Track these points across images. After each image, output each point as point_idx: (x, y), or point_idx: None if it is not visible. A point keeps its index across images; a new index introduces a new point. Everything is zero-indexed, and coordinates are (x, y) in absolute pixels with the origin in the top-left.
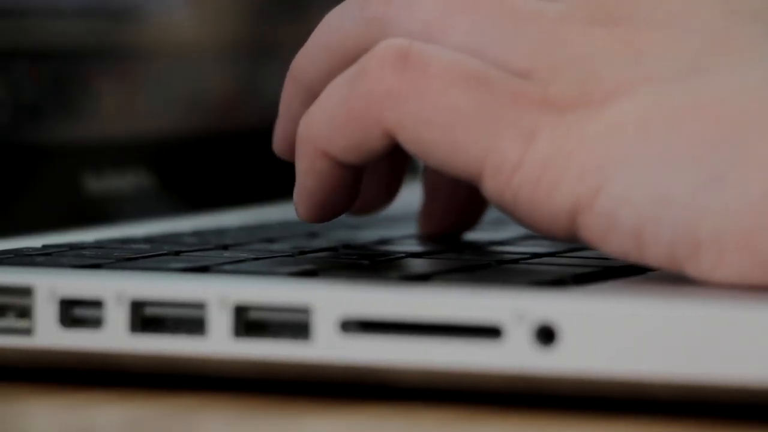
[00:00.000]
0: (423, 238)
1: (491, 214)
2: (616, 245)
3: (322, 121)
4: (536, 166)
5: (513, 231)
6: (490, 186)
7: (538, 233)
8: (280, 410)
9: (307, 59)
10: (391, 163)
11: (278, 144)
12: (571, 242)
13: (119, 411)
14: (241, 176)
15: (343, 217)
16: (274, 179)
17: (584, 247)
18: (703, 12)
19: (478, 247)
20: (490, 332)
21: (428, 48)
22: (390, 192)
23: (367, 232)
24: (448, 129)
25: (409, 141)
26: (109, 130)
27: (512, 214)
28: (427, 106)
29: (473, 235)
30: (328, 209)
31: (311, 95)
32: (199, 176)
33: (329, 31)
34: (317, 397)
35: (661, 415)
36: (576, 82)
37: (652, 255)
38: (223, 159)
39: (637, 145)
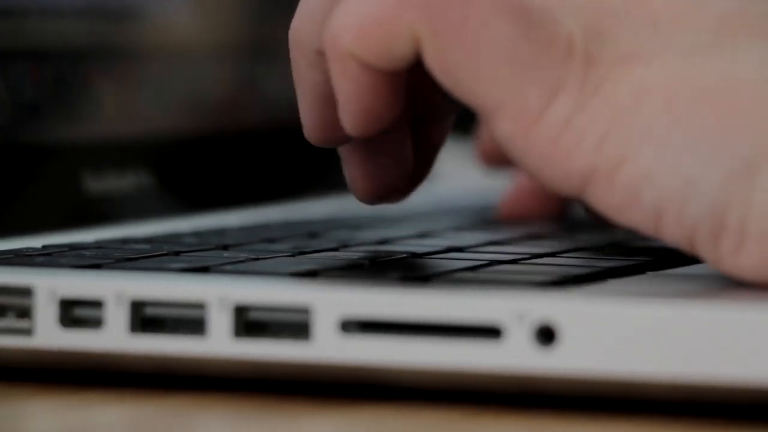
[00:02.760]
0: (367, 203)
1: (491, 214)
2: (632, 219)
3: (349, 22)
4: (557, 123)
5: (513, 231)
6: (503, 127)
7: (542, 183)
8: (280, 410)
9: (304, 19)
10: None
11: (311, 130)
12: (577, 199)
13: (119, 411)
14: (241, 176)
15: (343, 217)
16: (274, 179)
17: (584, 247)
18: None
19: (478, 247)
20: (490, 332)
21: None
22: (408, 169)
23: (367, 232)
24: (479, 57)
25: (433, 56)
26: (109, 130)
27: (519, 160)
28: (466, 27)
29: (472, 235)
30: (372, 118)
31: (316, 55)
32: (199, 176)
33: None
34: (317, 397)
35: (660, 415)
36: (594, 36)
37: (670, 233)
38: (223, 159)
39: (663, 121)
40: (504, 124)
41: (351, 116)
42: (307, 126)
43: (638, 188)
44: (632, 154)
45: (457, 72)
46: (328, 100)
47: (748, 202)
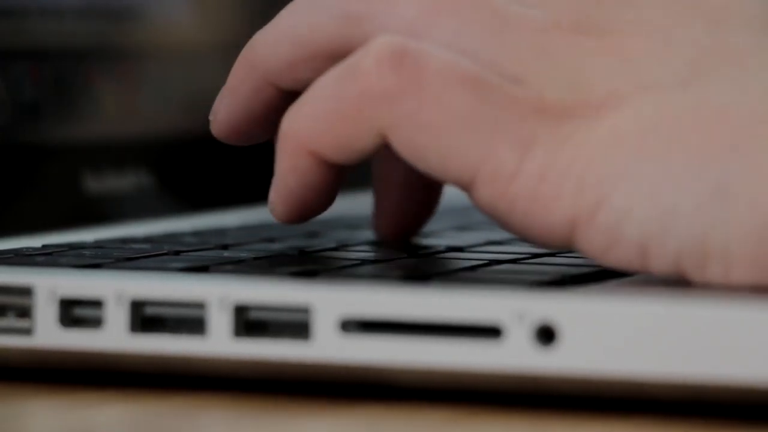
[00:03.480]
0: (381, 241)
1: None
2: (619, 258)
3: (310, 119)
4: (533, 178)
5: None
6: (483, 194)
7: (532, 243)
8: (280, 410)
9: (268, 47)
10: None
11: (220, 125)
12: (567, 251)
13: (119, 411)
14: (241, 176)
15: (343, 217)
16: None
17: None
18: (688, 24)
19: (477, 247)
20: (490, 332)
21: (425, 47)
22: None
23: (367, 232)
24: (443, 133)
25: (401, 143)
26: (109, 130)
27: (505, 224)
28: (423, 107)
29: (473, 235)
30: (308, 209)
31: (266, 84)
32: (199, 176)
33: (298, 22)
34: (317, 397)
35: (661, 415)
36: (568, 90)
37: (657, 266)
38: (223, 159)
39: (636, 158)
40: (483, 191)
41: (287, 209)
42: (221, 124)
43: (619, 227)
44: (608, 194)
45: (426, 154)
46: (254, 116)
47: (726, 227)
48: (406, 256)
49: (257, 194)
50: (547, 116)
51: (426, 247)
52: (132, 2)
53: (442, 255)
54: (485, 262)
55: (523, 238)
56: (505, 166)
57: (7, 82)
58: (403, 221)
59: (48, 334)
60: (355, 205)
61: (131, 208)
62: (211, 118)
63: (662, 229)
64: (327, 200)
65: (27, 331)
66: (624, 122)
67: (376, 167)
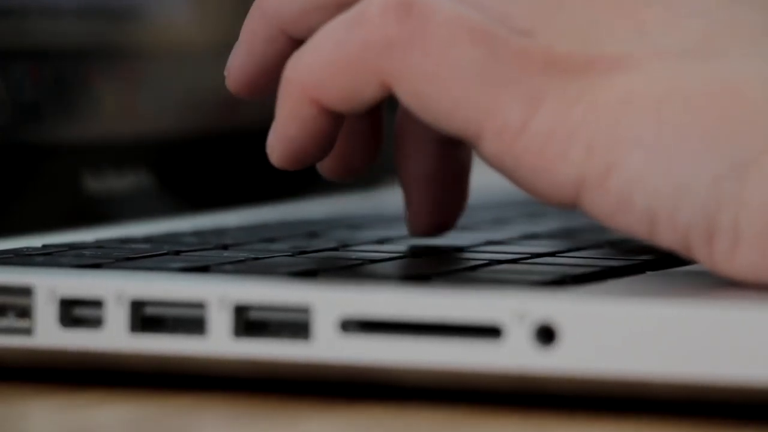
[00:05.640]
0: (417, 237)
1: (491, 214)
2: (626, 224)
3: (314, 66)
4: (541, 133)
5: (513, 231)
6: (489, 148)
7: (537, 199)
8: (280, 410)
9: None
10: (371, 122)
11: (234, 78)
12: (573, 210)
13: (119, 411)
14: (241, 176)
15: (343, 217)
16: (274, 179)
17: (584, 247)
18: None
19: (477, 247)
20: (490, 332)
21: None
22: (371, 153)
23: (367, 232)
24: (449, 84)
25: (406, 93)
26: (109, 130)
27: (511, 178)
28: (430, 58)
29: (473, 235)
30: (305, 157)
31: (278, 33)
32: (199, 176)
33: None
34: (317, 397)
35: (661, 415)
36: (579, 44)
37: (664, 238)
38: (223, 159)
39: (651, 126)
40: (489, 145)
41: (284, 155)
42: (234, 77)
43: (630, 193)
44: (622, 159)
45: (432, 104)
46: (267, 68)
47: (740, 203)
48: (407, 256)
49: (257, 194)
50: (557, 71)
51: (426, 247)
52: (132, 2)
53: (442, 255)
54: (485, 262)
55: (530, 194)
56: (513, 121)
57: (7, 82)
58: (437, 216)
59: (48, 334)
60: (355, 205)
61: (131, 208)
62: (225, 73)
63: (674, 201)
64: (326, 149)
65: (27, 331)
66: (637, 86)
67: (402, 162)
